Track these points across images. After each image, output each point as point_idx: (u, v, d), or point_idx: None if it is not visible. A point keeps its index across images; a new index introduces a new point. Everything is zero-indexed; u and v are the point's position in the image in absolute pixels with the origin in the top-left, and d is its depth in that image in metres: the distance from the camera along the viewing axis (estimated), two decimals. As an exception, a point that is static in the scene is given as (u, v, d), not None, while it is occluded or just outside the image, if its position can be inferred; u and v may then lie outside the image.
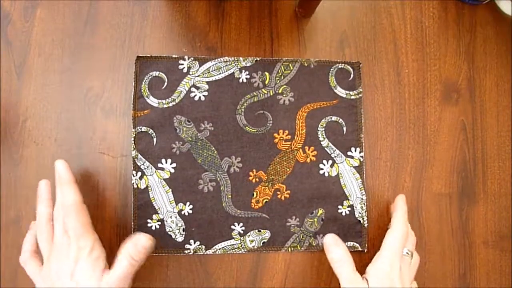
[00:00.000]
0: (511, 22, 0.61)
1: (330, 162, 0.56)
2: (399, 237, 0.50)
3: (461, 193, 0.59)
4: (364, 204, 0.56)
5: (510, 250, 0.59)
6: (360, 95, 0.58)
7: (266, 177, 0.56)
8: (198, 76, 0.56)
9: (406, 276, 0.49)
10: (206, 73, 0.56)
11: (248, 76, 0.56)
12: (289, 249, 0.55)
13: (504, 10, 0.61)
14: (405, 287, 0.48)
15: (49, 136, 0.54)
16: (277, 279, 0.56)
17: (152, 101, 0.55)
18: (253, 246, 0.55)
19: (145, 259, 0.48)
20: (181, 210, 0.54)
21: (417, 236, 0.57)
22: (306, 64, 0.57)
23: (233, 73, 0.56)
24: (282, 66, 0.57)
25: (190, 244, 0.54)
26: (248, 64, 0.57)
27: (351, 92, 0.57)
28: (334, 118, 0.57)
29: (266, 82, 0.56)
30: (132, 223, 0.54)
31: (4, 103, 0.54)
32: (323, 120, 0.57)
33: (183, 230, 0.54)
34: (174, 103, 0.55)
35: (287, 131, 0.56)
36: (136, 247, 0.47)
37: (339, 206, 0.56)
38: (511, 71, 0.61)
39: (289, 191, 0.56)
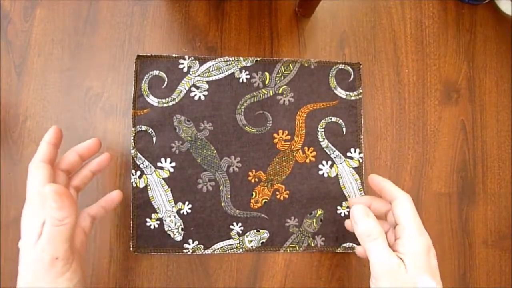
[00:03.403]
0: (511, 22, 0.61)
1: (330, 162, 0.56)
2: (411, 203, 0.44)
3: (461, 193, 0.58)
4: (363, 204, 0.56)
5: (510, 250, 0.59)
6: (360, 96, 0.58)
7: (265, 177, 0.56)
8: (198, 75, 0.56)
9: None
10: (206, 73, 0.56)
11: (248, 76, 0.56)
12: (288, 249, 0.55)
13: (504, 10, 0.61)
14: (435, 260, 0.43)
15: (49, 135, 0.54)
16: (277, 279, 0.55)
17: (152, 100, 0.55)
18: (252, 246, 0.55)
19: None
20: (180, 209, 0.55)
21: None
22: (306, 65, 0.57)
23: (233, 73, 0.56)
24: (282, 66, 0.57)
25: (189, 244, 0.54)
26: (248, 64, 0.57)
27: (351, 93, 0.57)
28: (333, 119, 0.57)
29: (266, 82, 0.56)
30: (131, 222, 0.54)
31: (4, 103, 0.54)
32: (322, 121, 0.57)
33: (182, 229, 0.54)
34: (174, 102, 0.55)
35: (286, 132, 0.56)
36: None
37: (338, 207, 0.56)
38: (511, 71, 0.60)
39: (288, 192, 0.56)
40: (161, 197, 0.54)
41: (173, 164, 0.55)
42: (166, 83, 0.55)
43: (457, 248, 0.58)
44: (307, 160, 0.56)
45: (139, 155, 0.54)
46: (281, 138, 0.56)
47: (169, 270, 0.54)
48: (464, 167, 0.59)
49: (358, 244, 0.45)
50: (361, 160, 0.57)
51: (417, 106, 0.59)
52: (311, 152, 0.56)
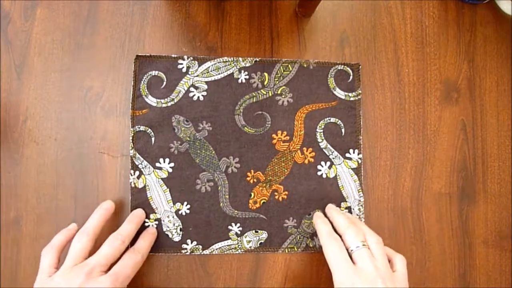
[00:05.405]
0: (511, 22, 0.61)
1: (328, 163, 0.56)
2: (329, 249, 0.48)
3: (461, 193, 0.58)
4: (361, 206, 0.56)
5: (510, 249, 0.58)
6: (359, 97, 0.57)
7: (264, 178, 0.56)
8: (197, 76, 0.56)
9: (368, 267, 0.45)
10: (205, 73, 0.56)
11: (247, 77, 0.56)
12: (286, 250, 0.55)
13: (504, 10, 0.61)
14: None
15: (49, 135, 0.54)
16: (276, 279, 0.56)
17: (151, 100, 0.55)
18: (250, 247, 0.55)
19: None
20: (179, 209, 0.55)
21: (417, 236, 0.57)
22: (305, 65, 0.57)
23: (232, 73, 0.56)
24: (281, 67, 0.57)
25: (187, 244, 0.55)
26: (247, 65, 0.57)
27: (350, 94, 0.57)
28: (332, 120, 0.57)
29: (265, 83, 0.56)
30: (130, 223, 0.54)
31: (4, 103, 0.54)
32: (321, 122, 0.57)
33: (180, 230, 0.54)
34: (172, 102, 0.55)
35: (285, 132, 0.56)
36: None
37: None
38: (511, 71, 0.60)
39: (286, 192, 0.56)
40: (160, 198, 0.54)
41: (172, 164, 0.55)
42: (165, 83, 0.55)
43: (457, 248, 0.58)
44: (306, 161, 0.56)
45: (137, 155, 0.54)
46: (280, 139, 0.56)
47: (169, 270, 0.55)
48: (464, 167, 0.59)
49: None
50: (360, 161, 0.57)
51: (417, 106, 0.59)
52: (310, 153, 0.56)
